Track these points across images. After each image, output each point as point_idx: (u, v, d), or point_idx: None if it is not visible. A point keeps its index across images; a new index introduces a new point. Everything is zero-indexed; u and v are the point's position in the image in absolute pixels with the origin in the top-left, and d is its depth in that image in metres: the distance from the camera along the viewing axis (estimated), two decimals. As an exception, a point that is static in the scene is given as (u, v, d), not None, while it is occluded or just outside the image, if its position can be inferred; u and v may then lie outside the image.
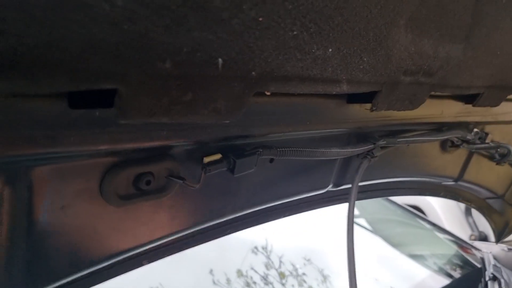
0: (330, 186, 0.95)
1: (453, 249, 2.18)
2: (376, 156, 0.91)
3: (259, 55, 0.47)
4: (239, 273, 2.26)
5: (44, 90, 0.33)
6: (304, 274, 2.40)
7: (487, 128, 1.30)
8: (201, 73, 0.44)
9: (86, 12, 0.33)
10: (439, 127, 1.12)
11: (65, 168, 0.51)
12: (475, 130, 1.23)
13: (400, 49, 0.68)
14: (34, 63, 0.32)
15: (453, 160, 1.33)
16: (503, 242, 2.01)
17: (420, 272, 2.26)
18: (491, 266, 1.60)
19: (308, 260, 2.51)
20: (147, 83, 0.40)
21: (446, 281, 2.08)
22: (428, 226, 2.29)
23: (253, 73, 0.48)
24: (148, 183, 0.58)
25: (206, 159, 0.64)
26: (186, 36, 0.40)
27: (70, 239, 0.56)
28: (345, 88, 0.62)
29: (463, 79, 0.89)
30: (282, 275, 2.39)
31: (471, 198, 1.68)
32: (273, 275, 2.40)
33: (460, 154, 1.33)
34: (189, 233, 0.73)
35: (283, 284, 2.33)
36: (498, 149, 1.28)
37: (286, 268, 2.43)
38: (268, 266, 2.45)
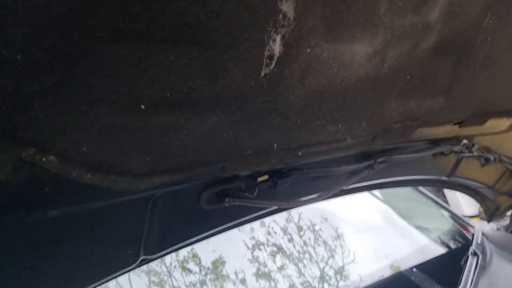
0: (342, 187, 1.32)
1: (450, 223, 2.54)
2: (375, 169, 1.27)
3: (296, 137, 0.83)
4: (262, 223, 2.55)
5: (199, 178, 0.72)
6: (320, 230, 2.65)
7: (476, 138, 1.61)
8: (264, 152, 0.81)
9: (218, 139, 0.70)
10: (431, 142, 1.45)
11: (180, 190, 0.91)
12: (464, 141, 1.55)
13: (391, 112, 1.02)
14: (198, 165, 0.70)
15: (444, 162, 1.67)
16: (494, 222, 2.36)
17: (422, 240, 2.65)
18: (475, 242, 1.95)
19: (325, 219, 2.74)
20: (238, 161, 0.78)
21: (443, 250, 2.47)
22: (432, 203, 2.64)
23: (293, 145, 0.85)
24: (225, 195, 0.97)
25: (259, 179, 1.02)
26: (259, 138, 0.77)
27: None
28: (349, 142, 0.97)
29: (445, 118, 1.22)
30: (300, 228, 2.63)
31: (465, 188, 2.02)
32: (291, 227, 2.63)
33: (451, 157, 1.66)
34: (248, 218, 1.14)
35: (300, 236, 2.60)
36: (482, 157, 1.61)
37: (304, 223, 2.67)
38: (288, 220, 2.67)
